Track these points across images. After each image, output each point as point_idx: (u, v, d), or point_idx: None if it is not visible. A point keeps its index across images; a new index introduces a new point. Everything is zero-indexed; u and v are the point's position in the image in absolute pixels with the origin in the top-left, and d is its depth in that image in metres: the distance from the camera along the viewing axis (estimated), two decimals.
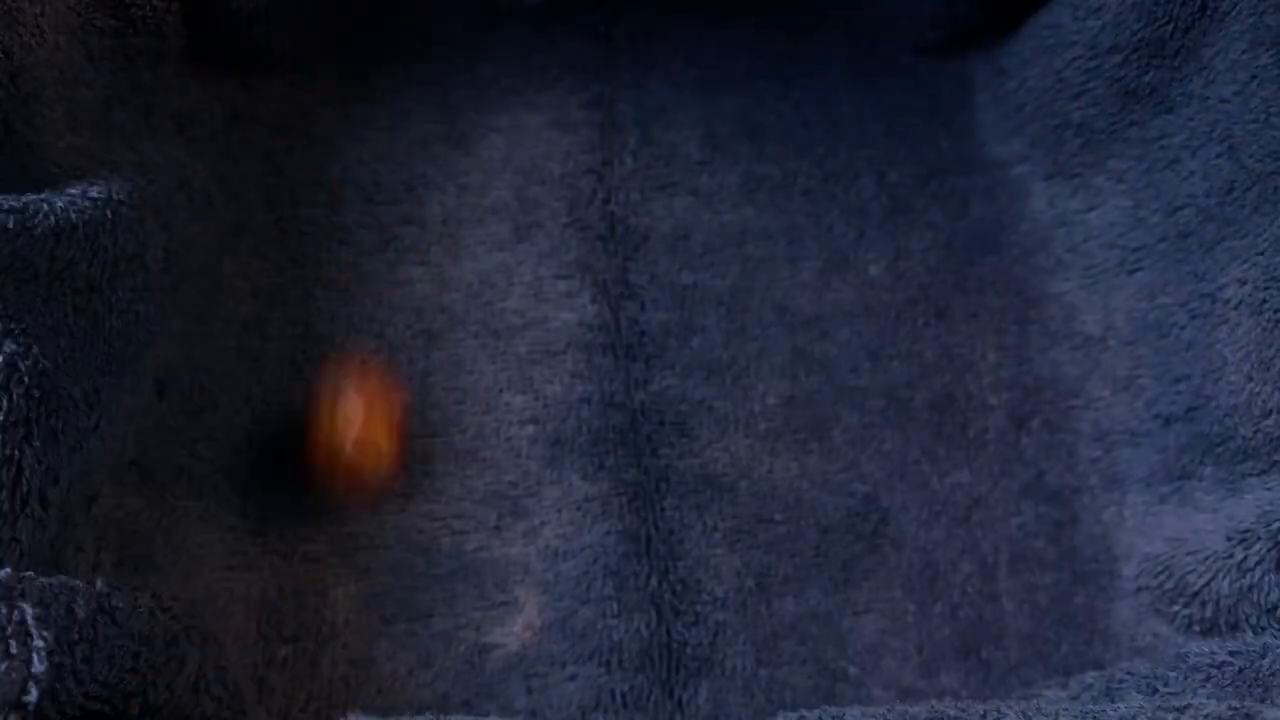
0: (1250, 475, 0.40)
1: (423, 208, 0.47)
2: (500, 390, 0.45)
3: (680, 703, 0.40)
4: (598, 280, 0.47)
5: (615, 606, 0.41)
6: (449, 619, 0.41)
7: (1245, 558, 0.37)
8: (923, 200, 0.49)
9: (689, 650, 0.41)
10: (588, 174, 0.49)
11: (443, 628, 0.41)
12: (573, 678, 0.40)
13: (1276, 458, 0.39)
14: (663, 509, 0.43)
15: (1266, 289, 0.39)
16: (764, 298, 0.47)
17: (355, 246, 0.46)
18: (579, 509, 0.43)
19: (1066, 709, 0.28)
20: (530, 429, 0.44)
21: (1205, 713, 0.26)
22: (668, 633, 0.41)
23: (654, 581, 0.42)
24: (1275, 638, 0.34)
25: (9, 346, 0.31)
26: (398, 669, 0.40)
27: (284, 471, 0.42)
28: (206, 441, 0.42)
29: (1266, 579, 0.36)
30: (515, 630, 0.41)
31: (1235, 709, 0.26)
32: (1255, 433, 0.39)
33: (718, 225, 0.48)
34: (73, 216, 0.33)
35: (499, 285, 0.46)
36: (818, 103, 0.51)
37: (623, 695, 0.40)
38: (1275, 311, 0.38)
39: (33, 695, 0.25)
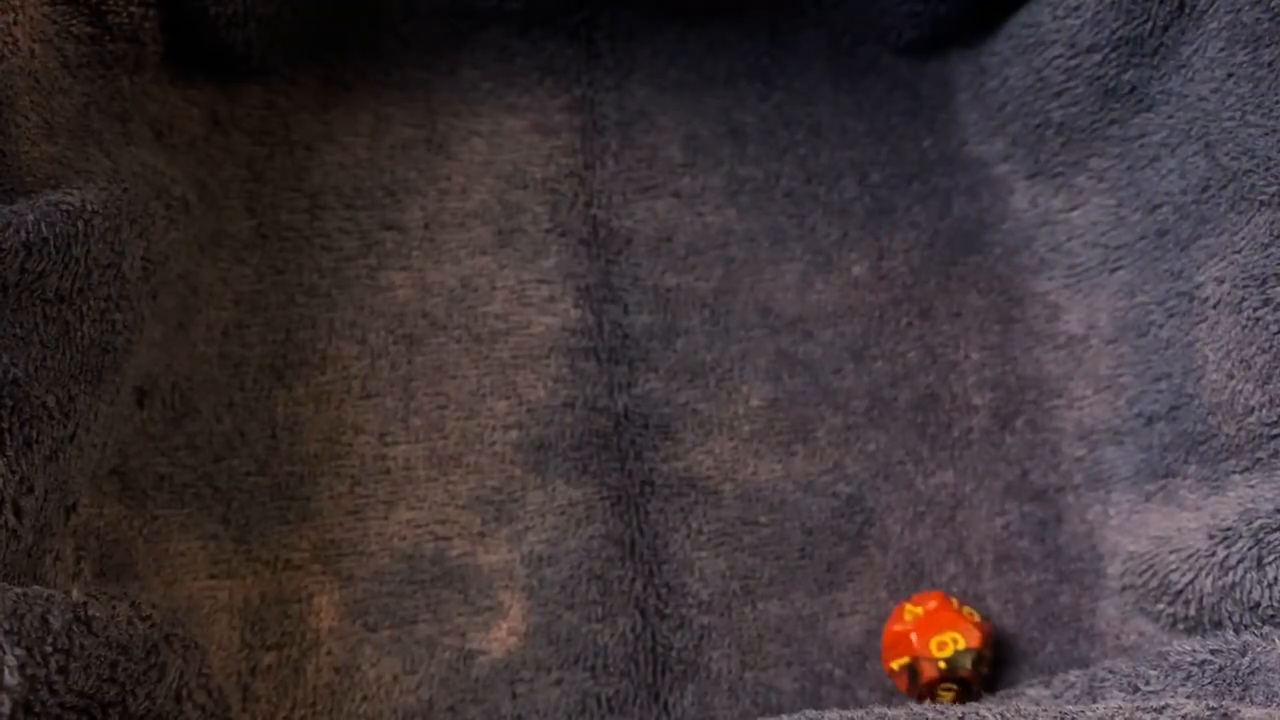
0: (1233, 473, 0.40)
1: (403, 213, 0.47)
2: (483, 395, 0.45)
3: (666, 706, 0.40)
4: (580, 284, 0.47)
5: (600, 611, 0.41)
6: (433, 625, 0.41)
7: (1227, 556, 0.37)
8: (905, 200, 0.49)
9: (674, 654, 0.41)
10: (569, 177, 0.49)
11: (427, 634, 0.40)
12: (558, 683, 0.40)
13: (1259, 455, 0.39)
14: (647, 513, 0.43)
15: (1245, 287, 0.39)
16: (747, 299, 0.47)
17: (336, 252, 0.46)
18: (563, 513, 0.43)
19: (1046, 709, 0.28)
20: (514, 434, 0.44)
21: (1183, 712, 0.26)
22: (653, 636, 0.41)
23: (639, 585, 0.42)
24: (1256, 636, 0.34)
25: None
26: (382, 675, 0.40)
27: (266, 479, 0.42)
28: (188, 449, 0.42)
29: (1248, 577, 0.36)
30: (500, 636, 0.41)
31: (1213, 709, 0.26)
32: (1238, 430, 0.39)
33: (700, 227, 0.48)
34: (44, 229, 0.32)
35: (481, 290, 0.46)
36: (799, 103, 0.51)
37: (608, 700, 0.40)
38: (1254, 310, 0.38)
39: (5, 708, 0.25)
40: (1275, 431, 0.38)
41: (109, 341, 0.37)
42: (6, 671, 0.25)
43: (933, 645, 0.39)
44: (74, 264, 0.34)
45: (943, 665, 0.39)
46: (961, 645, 0.39)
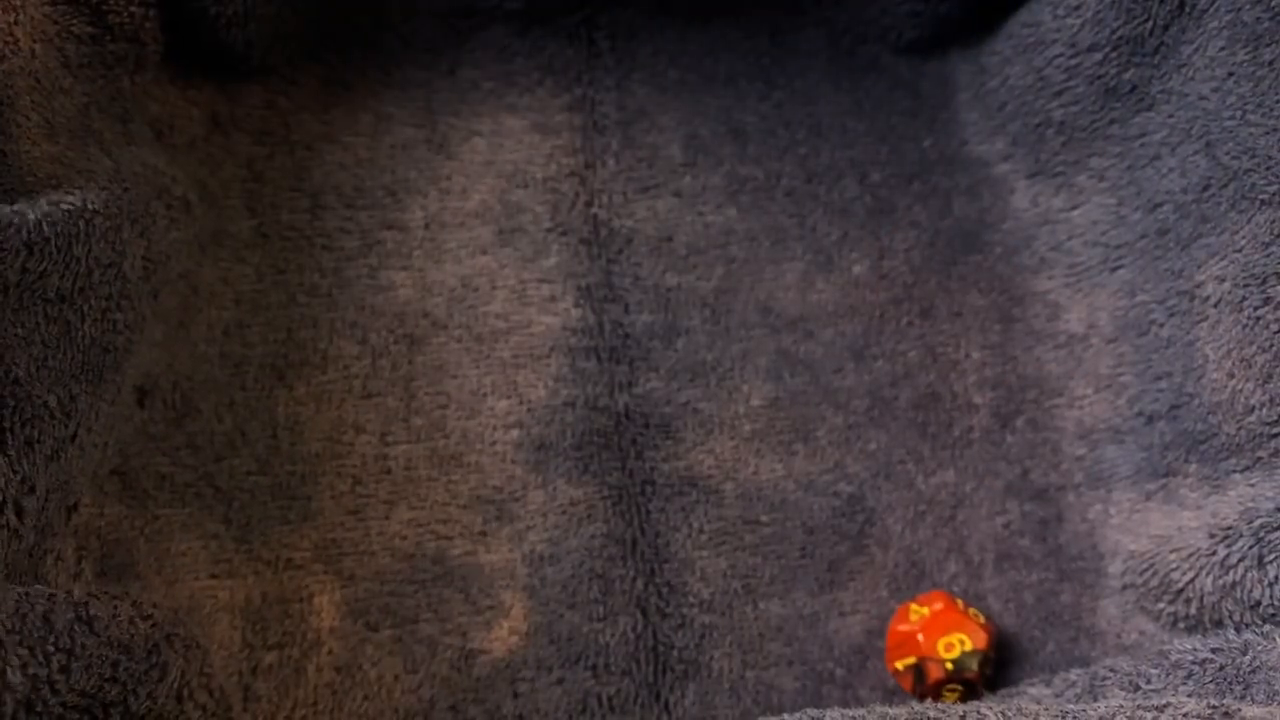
0: (1234, 472, 0.40)
1: (404, 212, 0.47)
2: (484, 395, 0.45)
3: (667, 705, 0.40)
4: (581, 283, 0.47)
5: (601, 610, 0.41)
6: (434, 625, 0.41)
7: (1228, 555, 0.37)
8: (906, 199, 0.49)
9: (675, 653, 0.41)
10: (570, 177, 0.49)
11: (428, 633, 0.40)
12: (559, 682, 0.40)
13: (1260, 454, 0.39)
14: (648, 512, 0.43)
15: (1245, 286, 0.39)
16: (748, 299, 0.47)
17: (337, 252, 0.46)
18: (564, 513, 0.43)
19: (1047, 708, 0.28)
20: (515, 433, 0.44)
21: (1184, 711, 0.26)
22: (654, 636, 0.41)
23: (640, 585, 0.42)
24: (1257, 635, 0.34)
25: None
26: (383, 675, 0.40)
27: (267, 478, 0.42)
28: (189, 449, 0.42)
29: (1249, 576, 0.36)
30: (501, 635, 0.41)
31: (1214, 707, 0.26)
32: (1238, 429, 0.39)
33: (701, 227, 0.48)
34: (45, 229, 0.32)
35: (482, 289, 0.46)
36: (800, 103, 0.51)
37: (609, 699, 0.40)
38: (1255, 309, 0.38)
39: (7, 707, 0.25)
40: (1275, 430, 0.38)
41: (110, 341, 0.37)
42: (9, 671, 0.25)
43: (940, 646, 0.39)
44: (75, 264, 0.34)
45: (949, 666, 0.39)
46: (968, 646, 0.39)
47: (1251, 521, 0.37)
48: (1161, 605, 0.39)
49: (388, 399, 0.44)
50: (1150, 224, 0.44)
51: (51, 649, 0.27)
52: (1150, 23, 0.42)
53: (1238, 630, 0.36)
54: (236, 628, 0.39)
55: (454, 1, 0.49)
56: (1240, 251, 0.39)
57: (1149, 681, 0.34)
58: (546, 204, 0.48)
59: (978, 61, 0.50)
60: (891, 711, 0.28)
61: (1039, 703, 0.31)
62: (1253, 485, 0.39)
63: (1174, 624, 0.39)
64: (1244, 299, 0.39)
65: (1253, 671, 0.32)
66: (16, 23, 0.35)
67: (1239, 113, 0.39)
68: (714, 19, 0.51)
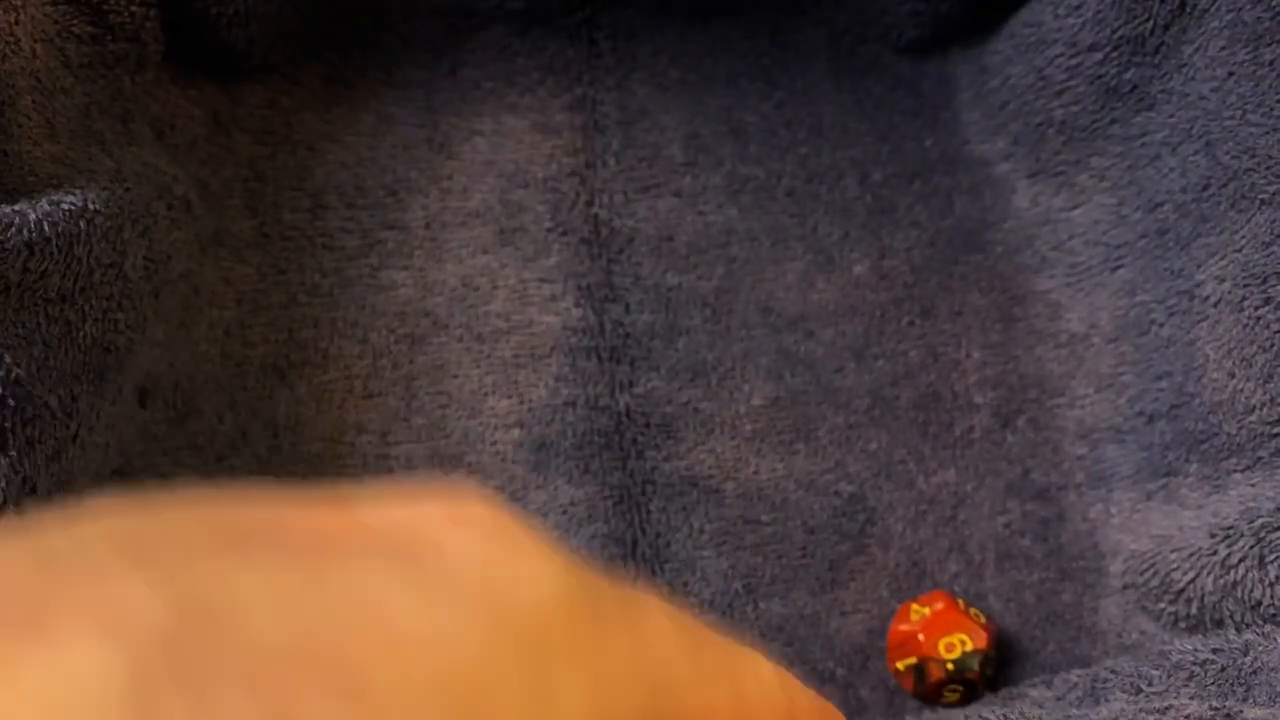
0: (1235, 471, 0.40)
1: (405, 212, 0.47)
2: (485, 394, 0.45)
3: None
4: (582, 283, 0.47)
5: None
6: None
7: (1229, 555, 0.37)
8: (907, 199, 0.49)
9: None
10: (570, 176, 0.49)
11: None
12: None
13: (1260, 454, 0.39)
14: (649, 512, 0.43)
15: (1245, 286, 0.39)
16: (749, 299, 0.47)
17: (338, 251, 0.46)
18: (565, 513, 0.43)
19: (1049, 711, 0.28)
20: (515, 433, 0.44)
21: (1187, 713, 0.26)
22: None
23: (641, 585, 0.42)
24: (1258, 635, 0.34)
25: None
26: None
27: (269, 478, 0.42)
28: (190, 449, 0.41)
29: (1249, 576, 0.36)
30: None
31: (1216, 709, 0.26)
32: (1239, 429, 0.39)
33: (702, 226, 0.48)
34: (46, 229, 0.32)
35: (483, 289, 0.46)
36: (801, 103, 0.51)
37: None
38: (1255, 308, 0.38)
39: None
40: (1276, 430, 0.38)
41: (111, 341, 0.37)
42: None
43: (941, 646, 0.39)
44: (76, 263, 0.34)
45: (950, 666, 0.39)
46: (969, 646, 0.39)
47: (1252, 521, 0.37)
48: (1162, 605, 0.39)
49: (389, 399, 0.44)
50: (1150, 223, 0.44)
51: None
52: (1151, 22, 0.42)
53: (1238, 630, 0.36)
54: None
55: (455, 1, 0.49)
56: (1240, 251, 0.39)
57: (1150, 683, 0.34)
58: (547, 203, 0.48)
59: (979, 61, 0.50)
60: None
61: (1040, 705, 0.31)
62: (1253, 485, 0.39)
63: (1175, 624, 0.39)
64: (1244, 298, 0.39)
65: (1254, 673, 0.32)
66: (17, 22, 0.35)
67: (1239, 112, 0.39)
68: (714, 19, 0.51)
